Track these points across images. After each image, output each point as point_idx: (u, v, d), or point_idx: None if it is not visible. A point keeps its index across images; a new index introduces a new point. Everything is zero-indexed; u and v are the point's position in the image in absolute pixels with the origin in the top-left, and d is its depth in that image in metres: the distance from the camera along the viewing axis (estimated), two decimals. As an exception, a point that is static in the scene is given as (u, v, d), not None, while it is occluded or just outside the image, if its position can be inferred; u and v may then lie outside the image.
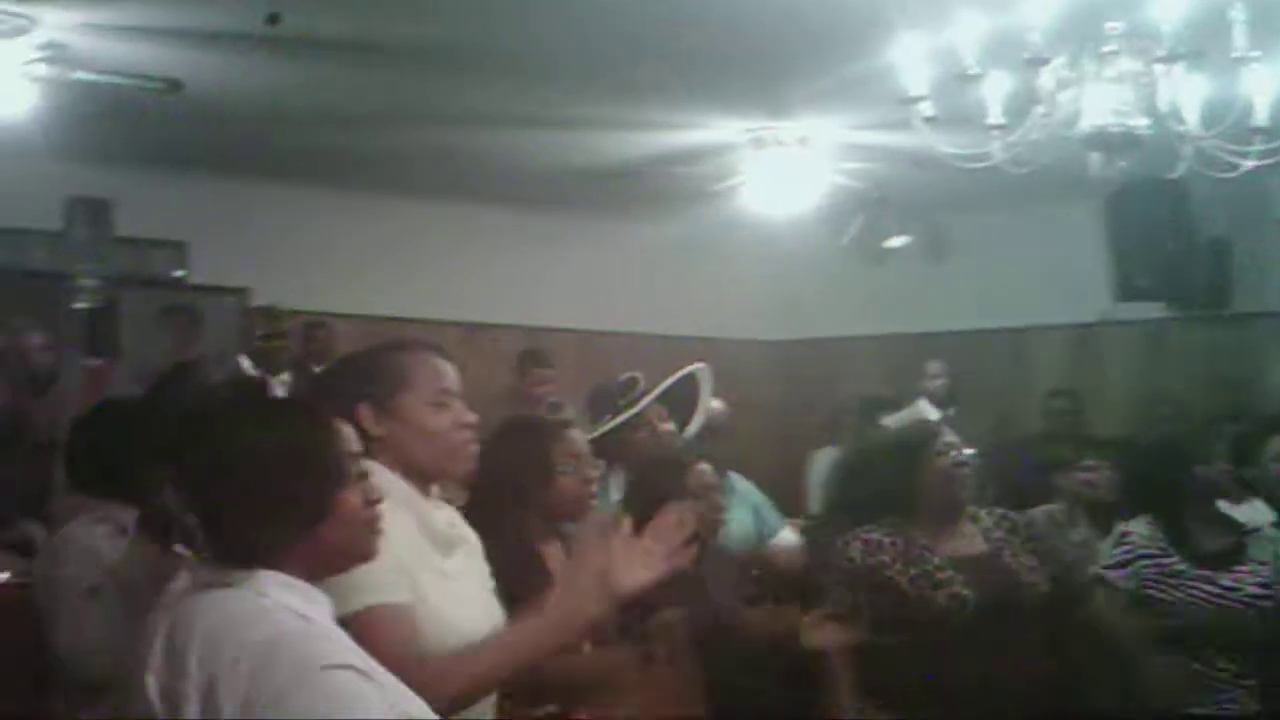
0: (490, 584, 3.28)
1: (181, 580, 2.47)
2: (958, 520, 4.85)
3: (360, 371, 3.20)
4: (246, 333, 10.39)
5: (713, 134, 8.75)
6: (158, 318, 10.22)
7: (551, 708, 3.54)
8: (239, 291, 10.50)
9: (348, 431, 2.54)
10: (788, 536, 6.53)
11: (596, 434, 5.65)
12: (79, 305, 9.99)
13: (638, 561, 2.93)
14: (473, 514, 3.42)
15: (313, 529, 2.42)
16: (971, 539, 4.82)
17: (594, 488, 4.38)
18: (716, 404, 7.94)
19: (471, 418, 3.21)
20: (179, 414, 3.71)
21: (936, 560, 4.70)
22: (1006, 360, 11.11)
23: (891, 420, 8.83)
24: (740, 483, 6.59)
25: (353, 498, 2.48)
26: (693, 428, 6.18)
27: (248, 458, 2.38)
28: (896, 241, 10.89)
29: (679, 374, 6.17)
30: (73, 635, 3.73)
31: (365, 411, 3.05)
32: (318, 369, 8.96)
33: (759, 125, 8.67)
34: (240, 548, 2.39)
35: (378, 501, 2.54)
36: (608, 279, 11.46)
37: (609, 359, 11.02)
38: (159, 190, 10.00)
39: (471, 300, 11.01)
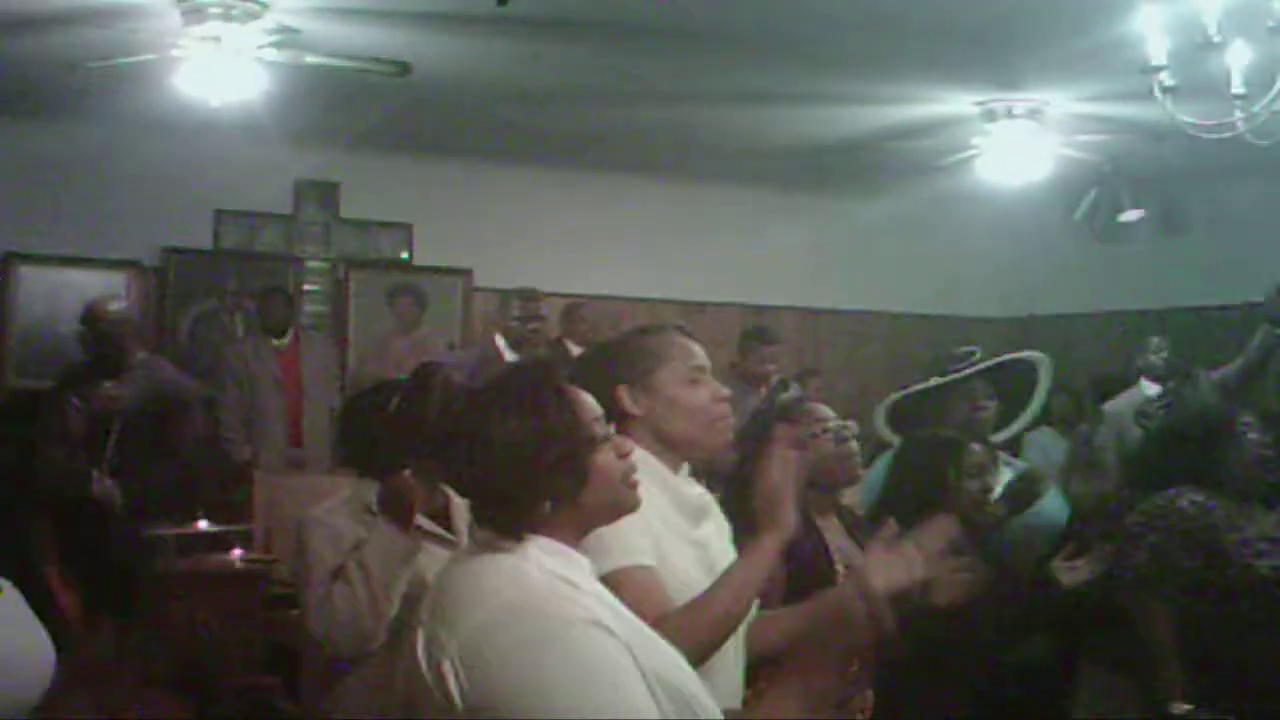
0: (732, 549, 3.30)
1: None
2: (1253, 499, 4.77)
3: (616, 355, 3.30)
4: (471, 313, 10.48)
5: (942, 107, 8.59)
6: (384, 298, 10.36)
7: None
8: (463, 272, 10.56)
9: (589, 399, 2.63)
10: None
11: (909, 391, 5.61)
12: (308, 287, 10.16)
13: (895, 565, 2.99)
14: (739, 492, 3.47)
15: (574, 494, 2.51)
16: (1261, 520, 4.71)
17: (851, 446, 4.37)
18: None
19: (726, 392, 3.28)
20: (431, 403, 3.74)
21: (1252, 531, 4.61)
22: (1241, 338, 10.74)
23: (1111, 404, 8.64)
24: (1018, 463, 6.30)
25: (606, 456, 2.57)
26: (1026, 418, 6.01)
27: (506, 438, 2.48)
28: (1130, 215, 10.59)
29: (1011, 355, 6.01)
30: (317, 614, 3.76)
31: (623, 392, 3.15)
32: (576, 349, 9.00)
33: (990, 97, 8.48)
34: (510, 518, 2.50)
35: (628, 454, 2.64)
36: (831, 256, 11.34)
37: (833, 337, 10.95)
38: (385, 173, 10.15)
39: (692, 279, 10.96)
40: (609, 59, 7.74)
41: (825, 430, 4.31)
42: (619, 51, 7.60)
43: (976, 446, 5.08)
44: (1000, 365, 5.93)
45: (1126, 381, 9.08)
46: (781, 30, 7.20)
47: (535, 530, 2.50)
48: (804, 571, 3.85)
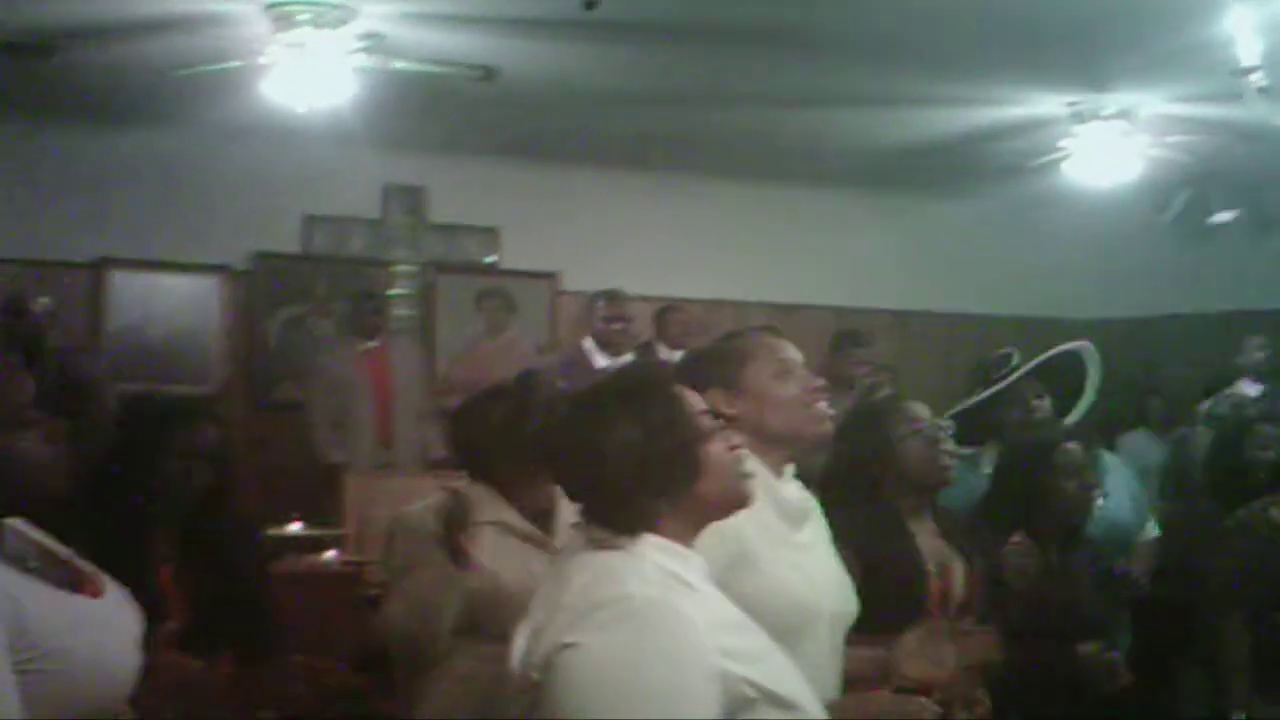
0: (834, 551, 3.35)
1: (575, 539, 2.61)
2: None
3: (704, 359, 3.34)
4: (558, 316, 10.51)
5: (1031, 108, 8.53)
6: (472, 302, 10.40)
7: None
8: (550, 275, 10.59)
9: (695, 395, 2.65)
10: (1151, 531, 6.22)
11: (961, 408, 5.57)
12: (396, 291, 10.21)
13: (927, 656, 3.18)
14: (829, 498, 3.51)
15: (688, 489, 2.53)
16: None
17: (943, 447, 4.30)
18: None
19: (819, 382, 3.30)
20: (535, 410, 3.78)
21: None
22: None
23: (1205, 405, 8.55)
24: (1115, 464, 6.23)
25: (717, 447, 2.59)
26: (1078, 411, 5.95)
27: (616, 438, 2.50)
28: (1222, 217, 10.47)
29: (1056, 350, 5.95)
30: (388, 611, 3.83)
31: (716, 395, 3.10)
32: (668, 352, 8.98)
33: (1079, 98, 8.40)
34: (625, 516, 2.51)
35: (738, 447, 2.65)
36: (922, 258, 11.26)
37: (922, 339, 10.89)
38: (473, 176, 10.19)
39: (782, 281, 10.91)
40: (696, 61, 7.73)
41: (917, 431, 4.28)
42: (706, 54, 7.58)
43: (1071, 444, 5.01)
44: (1047, 362, 5.88)
45: (1227, 382, 8.98)
46: (871, 32, 7.17)
47: (649, 528, 2.51)
48: (894, 578, 3.83)
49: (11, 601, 2.19)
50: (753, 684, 2.39)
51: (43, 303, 8.19)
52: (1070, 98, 8.38)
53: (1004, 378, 5.82)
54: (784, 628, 2.74)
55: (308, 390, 9.30)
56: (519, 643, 2.48)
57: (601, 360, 8.54)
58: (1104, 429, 9.24)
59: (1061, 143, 8.72)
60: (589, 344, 8.65)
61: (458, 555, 3.66)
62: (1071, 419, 5.87)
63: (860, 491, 4.05)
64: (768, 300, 10.66)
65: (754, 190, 10.80)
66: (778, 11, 6.90)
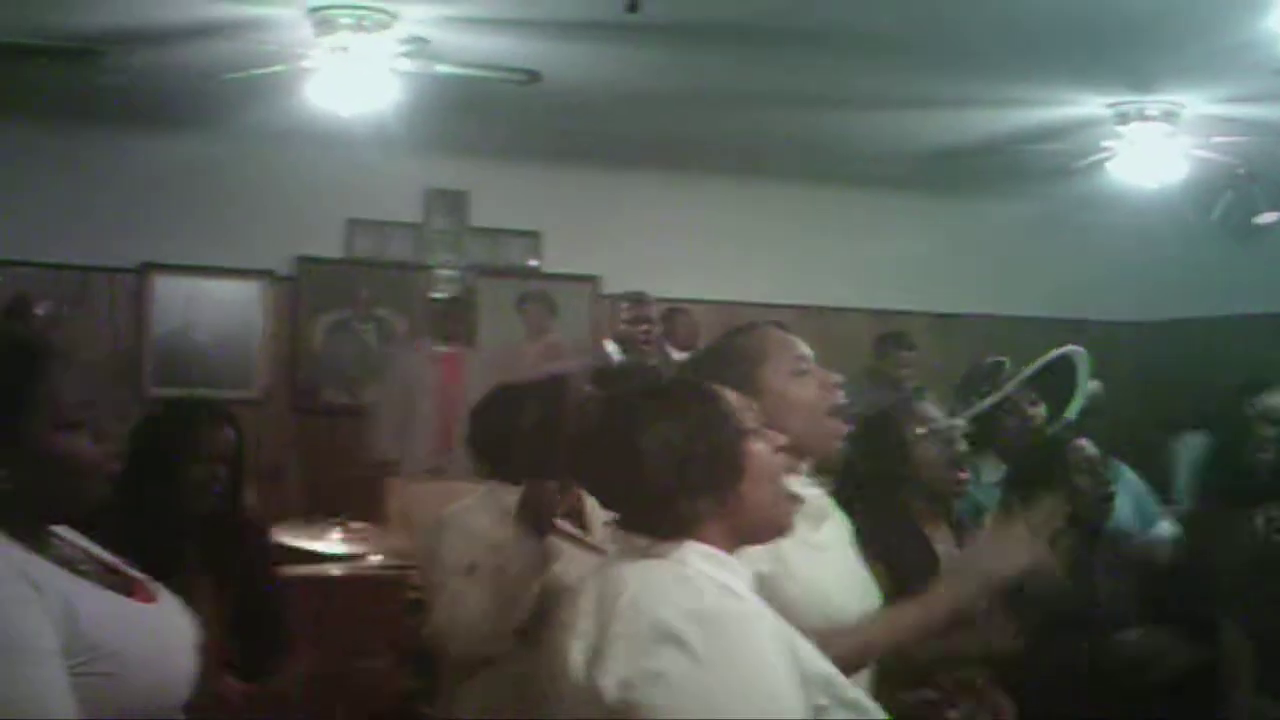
0: (855, 551, 3.30)
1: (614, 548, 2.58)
2: None
3: (716, 358, 3.20)
4: (599, 320, 10.50)
5: (1074, 109, 8.47)
6: (513, 305, 10.42)
7: (930, 694, 3.49)
8: (591, 279, 10.59)
9: (734, 393, 2.59)
10: (1165, 528, 6.22)
11: (961, 419, 5.51)
12: (437, 294, 10.22)
13: (1011, 548, 3.05)
14: (846, 495, 3.45)
15: (732, 489, 2.46)
16: None
17: (957, 449, 4.28)
18: (1092, 384, 7.68)
19: (836, 378, 3.19)
20: (566, 413, 3.75)
21: None
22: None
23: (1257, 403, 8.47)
24: (1122, 469, 6.26)
25: (759, 447, 2.52)
26: (1070, 412, 5.94)
27: (654, 439, 2.44)
28: (1267, 217, 10.38)
29: (1049, 356, 5.94)
30: (444, 612, 3.77)
31: None
32: (677, 354, 8.99)
33: (1122, 99, 8.35)
34: (665, 521, 2.45)
35: (783, 446, 2.59)
36: (963, 260, 11.22)
37: (964, 342, 10.84)
38: (514, 180, 10.19)
39: (822, 284, 10.89)
40: (738, 64, 7.71)
41: (932, 431, 4.23)
42: (749, 56, 7.56)
43: (1083, 442, 5.03)
44: (1040, 369, 5.87)
45: (1265, 385, 8.90)
46: (912, 33, 7.14)
47: (690, 534, 2.45)
48: (914, 582, 3.80)
49: (64, 601, 2.18)
50: (825, 687, 2.38)
51: (45, 305, 8.23)
52: (1113, 98, 8.34)
53: (999, 386, 5.81)
54: (816, 630, 2.69)
55: (379, 386, 9.41)
56: (573, 654, 2.36)
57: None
58: (1164, 430, 9.23)
59: (1105, 144, 8.68)
60: (611, 346, 8.64)
61: (544, 529, 3.62)
62: (1066, 415, 5.90)
63: (873, 493, 3.97)
64: (810, 303, 10.63)
65: (796, 193, 10.78)
66: (819, 13, 6.87)
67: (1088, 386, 6.12)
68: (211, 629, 3.57)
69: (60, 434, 2.30)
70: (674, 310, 9.59)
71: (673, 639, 2.27)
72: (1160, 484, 7.80)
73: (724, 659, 2.27)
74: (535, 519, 3.62)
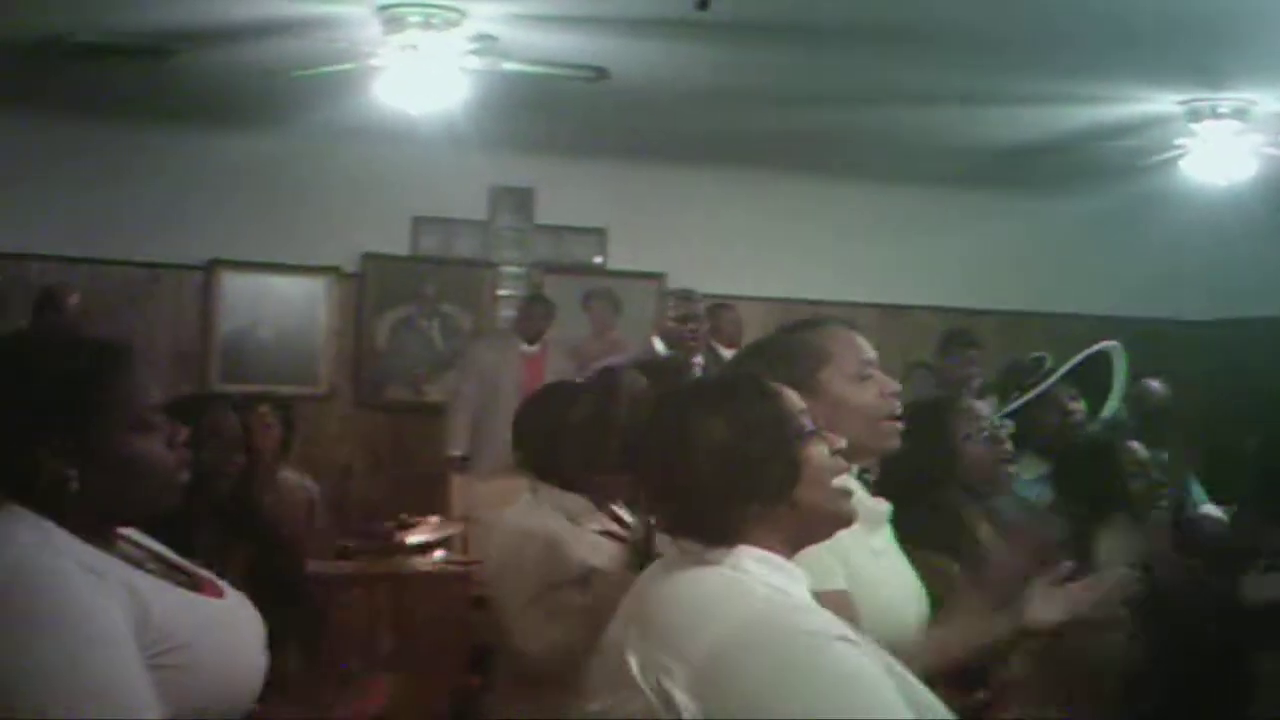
0: (905, 557, 3.21)
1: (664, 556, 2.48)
2: None
3: (778, 353, 3.07)
4: (663, 316, 10.49)
5: (1145, 106, 8.40)
6: (578, 303, 10.42)
7: (982, 694, 3.44)
8: (656, 276, 10.57)
9: (792, 393, 2.50)
10: (1211, 509, 6.17)
11: (999, 414, 5.47)
12: (503, 292, 10.25)
13: (1058, 600, 2.97)
14: (889, 492, 3.30)
15: (786, 493, 2.37)
16: None
17: (1006, 448, 4.21)
18: (1155, 384, 7.61)
19: (895, 386, 3.11)
20: (619, 409, 3.69)
21: None
22: None
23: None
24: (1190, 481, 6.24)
25: (818, 451, 2.43)
26: (1107, 409, 5.88)
27: (709, 436, 2.35)
28: (1339, 215, 10.28)
29: (1086, 352, 5.87)
30: (534, 631, 3.68)
31: None
32: (724, 350, 8.97)
33: (1194, 96, 8.27)
34: (717, 525, 2.36)
35: (840, 448, 2.48)
36: (1033, 258, 11.15)
37: (1033, 340, 10.77)
38: (579, 177, 10.20)
39: (890, 281, 10.84)
40: (806, 61, 7.67)
41: (980, 430, 4.18)
42: (817, 53, 7.53)
43: (1133, 444, 4.98)
44: (1079, 364, 5.81)
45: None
46: (982, 30, 7.09)
47: (741, 540, 2.35)
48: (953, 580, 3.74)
49: (136, 595, 2.18)
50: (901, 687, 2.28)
51: (75, 299, 8.29)
52: (1185, 96, 8.26)
53: (1039, 381, 5.75)
54: (882, 638, 2.58)
55: (458, 379, 9.43)
56: (633, 666, 2.26)
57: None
58: (1234, 428, 9.14)
59: (1177, 141, 8.60)
60: (659, 344, 8.61)
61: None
62: (1104, 412, 5.85)
63: (917, 491, 3.79)
64: (876, 301, 10.58)
65: (863, 190, 10.73)
66: (889, 10, 6.83)
67: (1123, 384, 6.05)
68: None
69: (133, 436, 2.29)
70: (719, 306, 9.51)
71: (742, 648, 2.19)
72: (1227, 482, 7.72)
73: (800, 669, 2.19)
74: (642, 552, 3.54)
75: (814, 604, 2.38)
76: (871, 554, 2.99)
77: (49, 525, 2.19)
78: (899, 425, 3.11)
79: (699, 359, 8.52)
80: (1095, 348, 5.91)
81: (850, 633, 2.27)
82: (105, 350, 2.34)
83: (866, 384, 3.06)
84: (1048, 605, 2.92)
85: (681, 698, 2.18)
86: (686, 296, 8.76)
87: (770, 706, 2.15)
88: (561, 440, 3.84)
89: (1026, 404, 5.68)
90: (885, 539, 3.14)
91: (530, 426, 4.09)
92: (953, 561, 3.55)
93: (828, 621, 2.28)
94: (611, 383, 3.86)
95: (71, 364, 2.27)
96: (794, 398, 2.48)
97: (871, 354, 3.11)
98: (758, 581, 2.31)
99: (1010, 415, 5.54)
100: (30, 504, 2.21)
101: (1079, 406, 5.73)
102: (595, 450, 3.71)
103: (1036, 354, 6.03)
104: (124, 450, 2.28)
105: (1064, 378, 5.74)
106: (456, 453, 9.04)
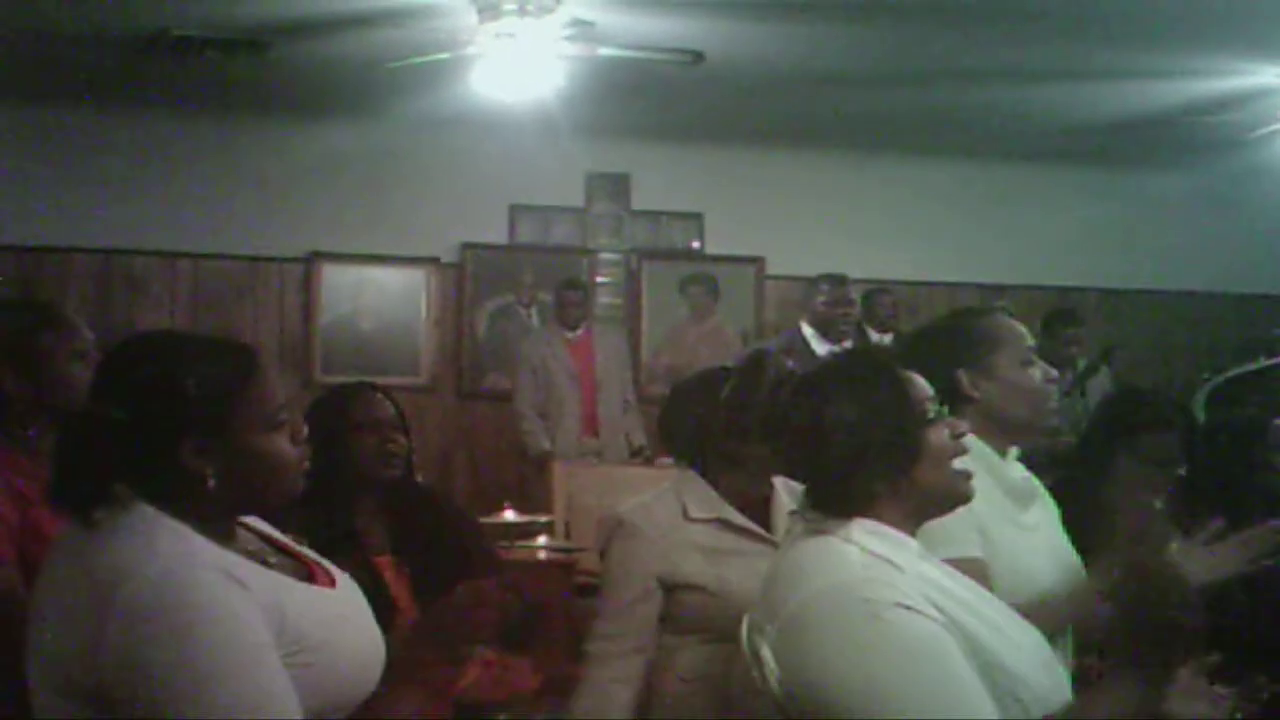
0: (1062, 533, 3.35)
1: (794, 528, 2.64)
2: None
3: (953, 338, 3.30)
4: (762, 301, 10.46)
5: (1247, 79, 8.28)
6: (676, 288, 10.40)
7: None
8: (754, 260, 10.54)
9: (920, 380, 2.62)
10: None
11: (1224, 380, 5.49)
12: (601, 279, 10.25)
13: (1212, 561, 3.14)
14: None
15: (906, 472, 2.52)
16: None
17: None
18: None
19: (1054, 374, 3.31)
20: (763, 389, 3.64)
21: None
22: None
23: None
24: None
25: (939, 435, 2.57)
26: None
27: (837, 417, 2.51)
28: None
29: None
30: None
31: (963, 376, 3.17)
32: (876, 336, 8.92)
33: (1296, 68, 8.15)
34: (839, 498, 2.52)
35: (962, 434, 2.62)
36: (1135, 234, 10.99)
37: (1136, 317, 10.66)
38: (675, 162, 10.18)
39: (990, 261, 10.72)
40: (902, 40, 7.64)
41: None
42: (911, 32, 7.49)
43: None
44: None
45: None
46: (1081, 4, 7.02)
47: (864, 512, 2.50)
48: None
49: (273, 598, 2.20)
50: (976, 649, 2.38)
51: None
52: (1287, 67, 8.14)
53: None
54: (1019, 604, 2.70)
55: (514, 379, 9.42)
56: (762, 647, 2.45)
57: (821, 346, 8.40)
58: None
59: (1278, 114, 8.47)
60: (808, 329, 8.55)
61: None
62: None
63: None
64: (976, 280, 10.49)
65: (961, 169, 10.63)
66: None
67: None
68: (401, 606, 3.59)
69: (266, 435, 2.32)
70: (876, 290, 9.45)
71: (815, 611, 2.38)
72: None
73: (860, 634, 2.33)
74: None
75: (916, 573, 2.47)
76: (1018, 528, 3.15)
77: (185, 530, 2.21)
78: (1056, 403, 3.31)
79: (848, 344, 8.46)
80: None
81: (937, 603, 2.39)
82: (243, 351, 2.38)
83: (1032, 369, 3.25)
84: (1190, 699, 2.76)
85: (767, 656, 2.42)
86: (839, 280, 8.69)
87: (834, 665, 2.33)
88: (707, 423, 3.80)
89: (1262, 373, 5.65)
90: (1039, 515, 3.28)
91: (677, 411, 3.98)
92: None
93: (905, 592, 2.38)
94: (758, 363, 3.83)
95: (215, 364, 2.31)
96: (922, 384, 2.61)
97: (1033, 341, 3.32)
98: (859, 550, 2.46)
99: (1242, 379, 5.54)
100: (159, 501, 2.23)
101: None
102: (738, 430, 3.68)
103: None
104: (258, 448, 2.31)
105: None
106: (546, 446, 9.02)
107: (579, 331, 9.34)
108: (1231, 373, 5.57)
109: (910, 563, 2.48)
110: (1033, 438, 3.37)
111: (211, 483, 2.24)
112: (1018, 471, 3.26)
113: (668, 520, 3.66)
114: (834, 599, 2.39)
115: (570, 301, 9.42)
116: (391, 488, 3.89)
